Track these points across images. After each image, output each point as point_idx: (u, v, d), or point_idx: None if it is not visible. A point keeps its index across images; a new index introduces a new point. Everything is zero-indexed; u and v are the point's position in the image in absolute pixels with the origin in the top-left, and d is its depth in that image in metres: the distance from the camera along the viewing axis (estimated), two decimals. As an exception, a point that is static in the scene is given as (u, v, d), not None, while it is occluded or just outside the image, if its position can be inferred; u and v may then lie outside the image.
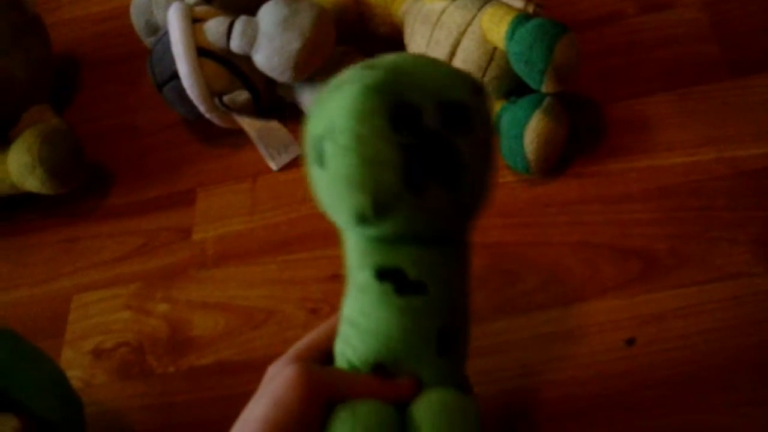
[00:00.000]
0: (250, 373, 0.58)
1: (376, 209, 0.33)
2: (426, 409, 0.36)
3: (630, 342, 0.54)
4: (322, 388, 0.36)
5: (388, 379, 0.37)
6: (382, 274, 0.36)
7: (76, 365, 0.62)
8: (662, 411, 0.51)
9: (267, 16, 0.65)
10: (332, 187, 0.34)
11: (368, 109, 0.32)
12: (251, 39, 0.65)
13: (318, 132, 0.34)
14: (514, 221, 0.61)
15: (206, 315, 0.63)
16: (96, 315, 0.65)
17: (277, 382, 0.36)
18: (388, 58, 0.35)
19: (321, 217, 0.64)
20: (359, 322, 0.37)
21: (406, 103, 0.32)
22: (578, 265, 0.58)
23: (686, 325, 0.53)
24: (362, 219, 0.33)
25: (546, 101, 0.60)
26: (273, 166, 0.69)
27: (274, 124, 0.70)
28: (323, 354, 0.40)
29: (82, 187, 0.72)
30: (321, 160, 0.34)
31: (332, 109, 0.33)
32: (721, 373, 0.51)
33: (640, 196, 0.60)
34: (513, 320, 0.57)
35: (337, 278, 0.62)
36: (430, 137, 0.32)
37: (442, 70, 0.35)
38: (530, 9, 0.61)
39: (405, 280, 0.36)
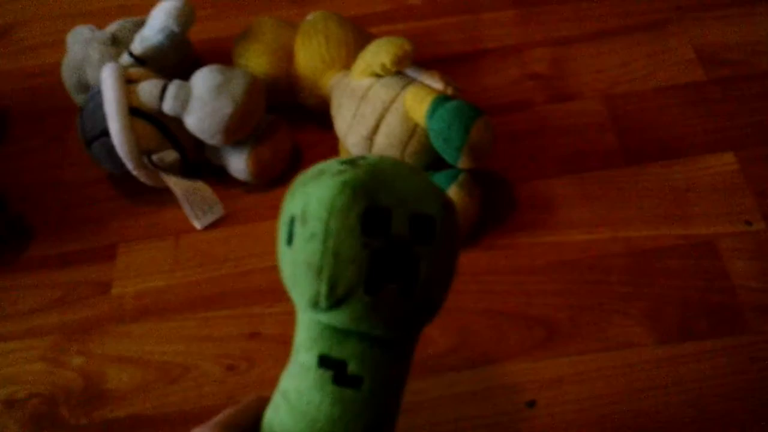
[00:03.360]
0: (164, 427, 0.60)
1: (330, 299, 0.34)
2: None
3: (531, 404, 0.57)
4: None
5: None
6: (325, 362, 0.37)
7: (-15, 416, 0.61)
8: (560, 469, 0.54)
9: (201, 81, 0.68)
10: (294, 267, 0.35)
11: (343, 204, 0.33)
12: (184, 102, 0.68)
13: (292, 212, 0.35)
14: (428, 287, 0.64)
15: (122, 369, 0.63)
16: (9, 365, 0.64)
17: None
18: (370, 159, 0.36)
19: (242, 276, 0.67)
20: (291, 398, 0.38)
21: (379, 207, 0.33)
22: (486, 331, 0.61)
23: (583, 390, 0.57)
24: (315, 305, 0.35)
25: (461, 176, 0.64)
26: (197, 225, 0.71)
27: (200, 185, 0.73)
28: (246, 424, 0.40)
29: (2, 238, 0.71)
30: (289, 239, 0.35)
31: (309, 195, 0.34)
32: (614, 434, 0.55)
33: (544, 268, 0.64)
34: (425, 381, 0.59)
35: (256, 336, 0.64)
36: (395, 244, 0.34)
37: (417, 180, 0.36)
38: (449, 91, 0.65)
39: (344, 372, 0.37)
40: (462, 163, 0.63)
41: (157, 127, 0.69)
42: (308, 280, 0.34)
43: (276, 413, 0.39)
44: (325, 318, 0.36)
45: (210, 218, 0.71)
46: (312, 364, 0.37)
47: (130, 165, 0.69)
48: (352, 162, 0.36)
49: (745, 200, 0.66)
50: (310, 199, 0.34)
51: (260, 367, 0.62)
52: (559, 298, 0.62)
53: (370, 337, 0.37)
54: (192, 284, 0.67)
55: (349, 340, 0.37)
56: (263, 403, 0.41)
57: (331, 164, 0.36)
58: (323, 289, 0.34)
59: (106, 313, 0.67)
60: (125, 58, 0.73)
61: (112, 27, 0.78)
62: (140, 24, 0.77)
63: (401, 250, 0.34)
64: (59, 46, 0.80)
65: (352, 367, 0.37)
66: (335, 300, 0.34)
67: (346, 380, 0.37)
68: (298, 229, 0.34)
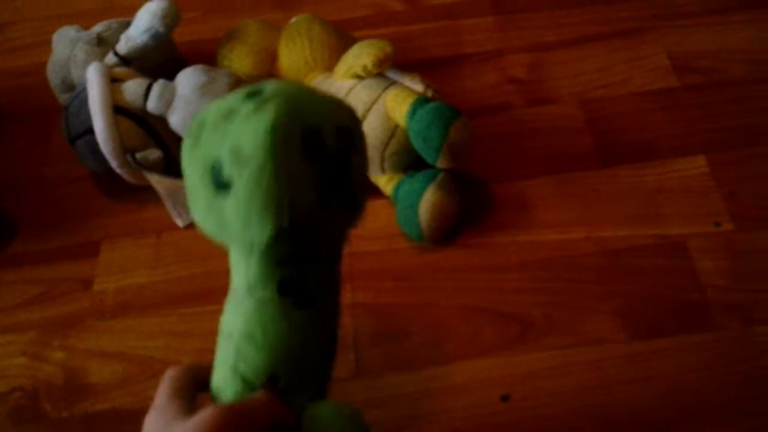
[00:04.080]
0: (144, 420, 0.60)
1: (294, 225, 0.36)
2: (323, 423, 0.38)
3: (505, 398, 0.59)
4: (246, 421, 0.37)
5: (279, 398, 0.39)
6: (284, 289, 0.38)
7: (-33, 408, 0.62)
8: (531, 460, 0.55)
9: (185, 81, 0.69)
10: (242, 209, 0.36)
11: (283, 136, 0.35)
12: (168, 101, 0.69)
13: (213, 157, 0.36)
14: (406, 284, 0.66)
15: (103, 363, 0.64)
16: (-9, 359, 0.65)
17: (198, 423, 0.36)
18: (272, 88, 0.37)
19: (224, 273, 0.67)
20: (257, 336, 0.39)
21: (312, 129, 0.36)
22: (462, 326, 0.63)
23: (556, 384, 0.59)
24: (278, 235, 0.36)
25: (440, 176, 0.66)
26: (179, 222, 0.72)
27: (183, 183, 0.73)
28: (187, 391, 0.41)
29: (-14, 233, 0.72)
30: (224, 184, 0.36)
31: (235, 136, 0.35)
32: (583, 429, 0.57)
33: (519, 266, 0.66)
34: (401, 375, 0.61)
35: (236, 331, 0.64)
36: (334, 159, 0.36)
37: (322, 97, 0.38)
38: (429, 93, 0.67)
39: (304, 293, 0.39)
40: (441, 162, 0.64)
41: (141, 125, 0.70)
42: (268, 212, 0.35)
43: (239, 358, 0.40)
44: (283, 247, 0.37)
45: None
46: (272, 297, 0.38)
47: (114, 163, 0.70)
48: (256, 93, 0.37)
49: (714, 202, 0.67)
50: (242, 139, 0.35)
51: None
52: (534, 296, 0.64)
53: (320, 251, 0.39)
54: (174, 281, 0.68)
55: (302, 261, 0.38)
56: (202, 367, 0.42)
57: (235, 103, 0.37)
58: (286, 215, 0.35)
59: (87, 308, 0.68)
60: (110, 58, 0.75)
61: (98, 27, 0.79)
62: (126, 25, 0.78)
63: (339, 163, 0.36)
64: (43, 46, 0.82)
65: (311, 285, 0.39)
66: (299, 223, 0.36)
67: (306, 300, 0.39)
68: (236, 171, 0.35)
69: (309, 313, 0.39)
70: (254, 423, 0.38)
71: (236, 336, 0.40)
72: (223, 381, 0.41)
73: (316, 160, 0.35)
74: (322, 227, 0.37)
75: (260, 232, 0.36)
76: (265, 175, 0.35)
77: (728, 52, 0.79)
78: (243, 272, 0.40)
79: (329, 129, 0.36)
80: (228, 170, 0.36)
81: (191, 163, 0.38)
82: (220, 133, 0.36)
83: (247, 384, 0.40)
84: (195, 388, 0.42)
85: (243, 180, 0.35)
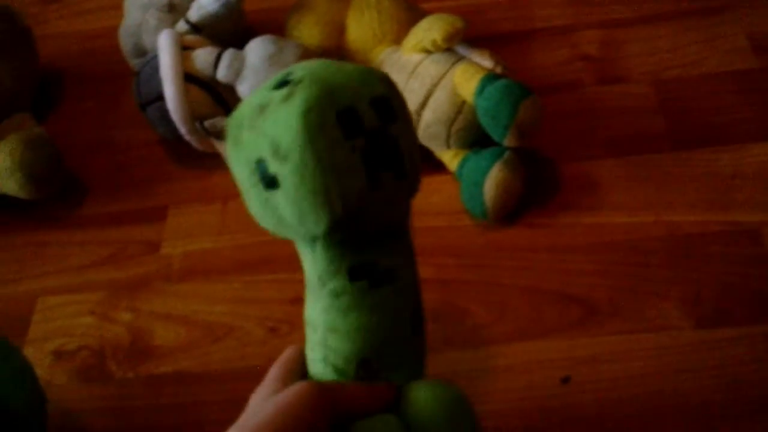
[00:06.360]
0: (207, 383, 0.62)
1: (348, 214, 0.35)
2: (425, 408, 0.37)
3: (565, 380, 0.58)
4: (331, 400, 0.37)
5: (373, 383, 0.39)
6: (355, 273, 0.38)
7: (36, 364, 0.62)
8: (589, 445, 0.55)
9: (255, 51, 0.69)
10: (294, 205, 0.35)
11: (317, 124, 0.34)
12: (237, 70, 0.69)
13: (256, 155, 0.35)
14: (469, 262, 0.65)
15: (168, 326, 0.65)
16: (60, 318, 0.67)
17: (287, 394, 0.36)
18: (300, 71, 0.36)
19: (287, 242, 0.68)
20: (339, 327, 0.39)
21: (347, 108, 0.34)
22: (524, 307, 0.62)
23: (617, 369, 0.58)
24: (335, 227, 0.35)
25: (506, 154, 0.65)
26: (245, 191, 0.72)
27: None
28: (296, 374, 0.41)
29: (57, 195, 0.74)
30: (270, 182, 0.35)
31: (272, 131, 0.34)
32: (644, 415, 0.56)
33: (585, 249, 0.64)
34: (462, 353, 0.60)
35: (298, 301, 0.64)
36: (375, 135, 0.35)
37: (351, 69, 0.37)
38: (499, 69, 0.66)
39: (376, 273, 0.38)
40: (508, 141, 0.64)
41: (211, 93, 0.71)
42: (318, 206, 0.35)
43: (326, 348, 0.40)
44: (343, 234, 0.37)
45: (257, 185, 0.73)
46: (344, 285, 0.38)
47: (183, 129, 0.71)
48: (285, 83, 0.35)
49: (791, 190, 0.65)
50: (278, 134, 0.34)
51: (301, 331, 0.62)
52: (598, 279, 0.63)
53: (384, 229, 0.38)
54: (238, 248, 0.69)
55: (369, 242, 0.38)
56: (296, 355, 0.42)
57: (266, 95, 0.36)
58: (337, 206, 0.35)
59: (154, 271, 0.69)
60: (181, 25, 0.75)
61: (170, -6, 0.80)
62: (197, -8, 0.78)
63: (380, 137, 0.35)
64: (115, 10, 0.83)
65: (383, 263, 0.38)
66: (352, 211, 0.35)
67: (380, 279, 0.38)
68: (279, 168, 0.34)
69: (385, 291, 0.39)
70: (342, 405, 0.37)
71: (320, 329, 0.40)
72: (320, 374, 0.41)
73: (357, 140, 0.35)
74: (379, 206, 0.37)
75: (316, 226, 0.36)
76: (308, 168, 0.34)
77: (812, 33, 0.75)
78: (311, 264, 0.39)
79: (364, 103, 0.35)
80: (272, 168, 0.35)
81: (237, 164, 0.38)
82: (256, 130, 0.35)
83: (341, 373, 0.40)
84: (302, 371, 0.42)
85: (288, 176, 0.34)
